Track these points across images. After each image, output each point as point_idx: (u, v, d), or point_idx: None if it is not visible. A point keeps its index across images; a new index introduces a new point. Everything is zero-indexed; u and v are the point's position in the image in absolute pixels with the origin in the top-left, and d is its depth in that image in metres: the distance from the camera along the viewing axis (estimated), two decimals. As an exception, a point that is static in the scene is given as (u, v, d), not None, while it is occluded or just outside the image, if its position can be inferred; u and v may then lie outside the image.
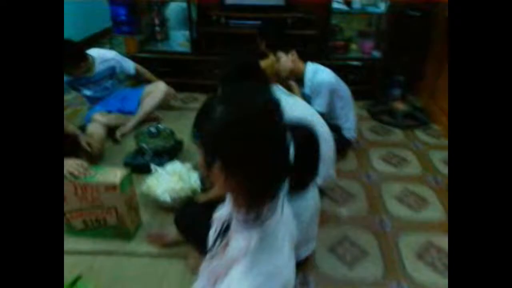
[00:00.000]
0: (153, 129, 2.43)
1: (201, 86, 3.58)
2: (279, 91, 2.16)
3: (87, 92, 2.85)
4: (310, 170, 0.84)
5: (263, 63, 2.78)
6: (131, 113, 2.86)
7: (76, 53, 2.56)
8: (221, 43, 3.59)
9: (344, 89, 2.68)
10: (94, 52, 2.76)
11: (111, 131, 2.76)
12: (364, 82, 3.54)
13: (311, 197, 1.73)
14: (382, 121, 3.30)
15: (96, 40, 4.67)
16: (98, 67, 2.74)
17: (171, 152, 2.44)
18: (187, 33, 3.54)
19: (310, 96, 2.61)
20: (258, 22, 3.28)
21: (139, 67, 3.01)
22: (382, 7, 3.38)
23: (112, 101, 2.88)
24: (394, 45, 3.40)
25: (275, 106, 0.78)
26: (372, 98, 3.59)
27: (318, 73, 2.57)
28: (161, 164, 2.15)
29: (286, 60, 2.59)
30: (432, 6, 3.24)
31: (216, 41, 3.59)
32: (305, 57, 2.64)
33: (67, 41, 2.48)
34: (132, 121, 2.81)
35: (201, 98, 3.63)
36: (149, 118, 2.91)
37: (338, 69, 2.71)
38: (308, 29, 3.45)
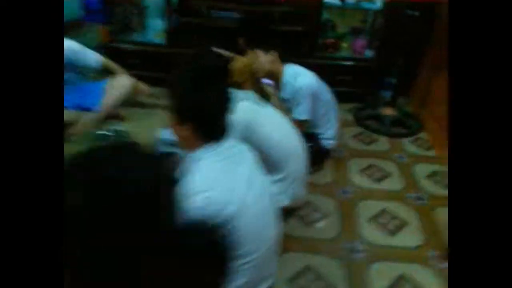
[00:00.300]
0: (101, 132, 2.20)
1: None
2: (251, 100, 1.95)
3: (42, 85, 2.60)
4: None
5: (238, 62, 2.55)
6: (90, 109, 2.62)
7: None
8: (200, 35, 3.33)
9: (326, 93, 2.44)
10: None
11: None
12: (353, 84, 3.33)
13: (270, 224, 1.50)
14: (368, 128, 3.07)
15: (65, 30, 4.39)
16: None
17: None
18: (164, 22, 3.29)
19: (290, 101, 2.38)
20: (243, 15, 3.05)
21: (105, 60, 2.77)
22: (378, 3, 3.18)
23: (70, 95, 2.63)
24: (388, 45, 3.17)
25: (164, 189, 0.57)
26: (360, 101, 3.36)
27: (299, 77, 2.32)
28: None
29: (264, 60, 2.34)
30: (433, 6, 2.99)
31: (195, 33, 3.33)
32: (287, 58, 2.40)
33: None
34: (87, 120, 2.56)
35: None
36: (110, 116, 2.67)
37: (326, 70, 2.49)
38: (297, 25, 3.21)
